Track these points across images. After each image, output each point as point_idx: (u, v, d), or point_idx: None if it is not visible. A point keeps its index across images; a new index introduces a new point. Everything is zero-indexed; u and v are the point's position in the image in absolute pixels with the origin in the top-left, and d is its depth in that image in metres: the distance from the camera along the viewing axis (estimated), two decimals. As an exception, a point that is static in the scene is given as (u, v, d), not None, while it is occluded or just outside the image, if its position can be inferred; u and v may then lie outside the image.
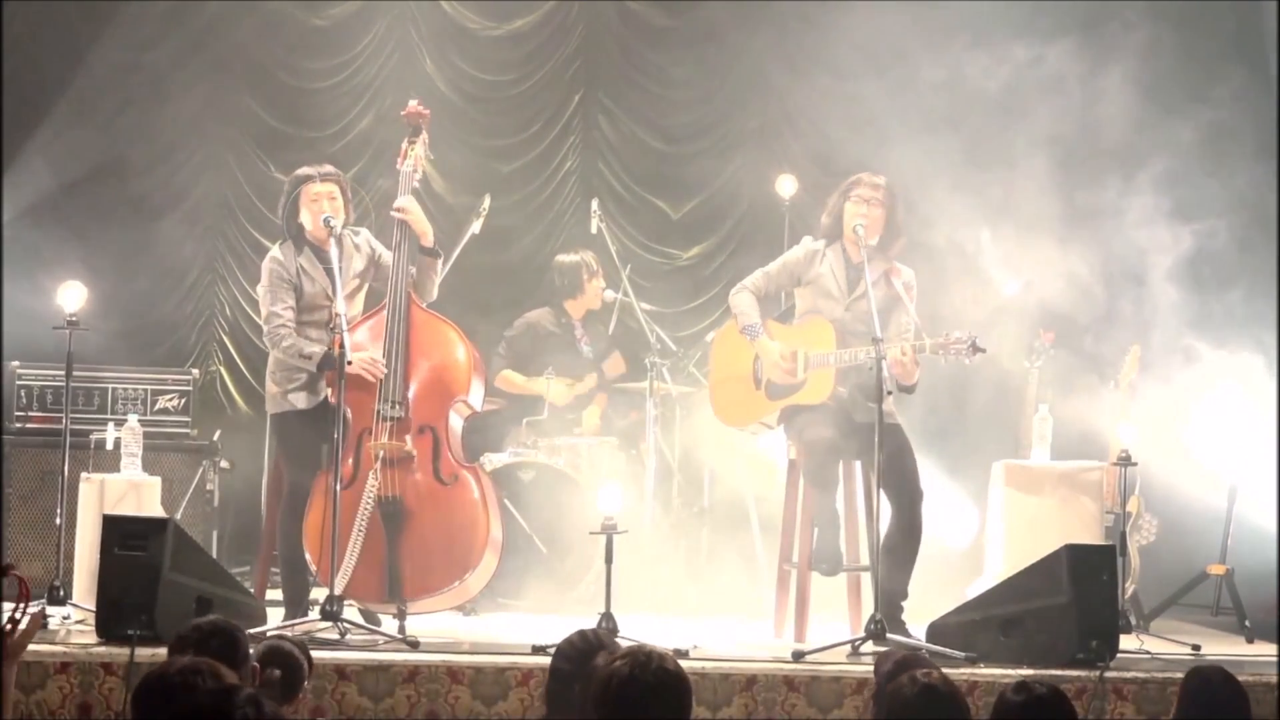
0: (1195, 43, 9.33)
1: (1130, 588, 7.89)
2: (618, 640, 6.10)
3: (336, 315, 6.75)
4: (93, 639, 6.33)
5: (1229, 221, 8.96)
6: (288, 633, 6.50)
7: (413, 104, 7.48)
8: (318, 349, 6.99)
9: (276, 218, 7.32)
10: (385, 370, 6.99)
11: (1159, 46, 9.02)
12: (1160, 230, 8.95)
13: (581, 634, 4.38)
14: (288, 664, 4.68)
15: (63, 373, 7.32)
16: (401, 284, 7.13)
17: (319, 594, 6.97)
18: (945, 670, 4.24)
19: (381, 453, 6.96)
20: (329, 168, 7.27)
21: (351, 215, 7.27)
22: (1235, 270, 9.05)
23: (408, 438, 7.02)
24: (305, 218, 7.14)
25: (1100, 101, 9.14)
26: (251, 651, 4.67)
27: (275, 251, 7.22)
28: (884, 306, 7.05)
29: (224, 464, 8.51)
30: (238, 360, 9.88)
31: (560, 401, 8.67)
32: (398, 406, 7.03)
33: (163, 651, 5.78)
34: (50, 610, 6.79)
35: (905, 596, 7.00)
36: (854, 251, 7.23)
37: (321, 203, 7.11)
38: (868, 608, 6.92)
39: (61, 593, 6.92)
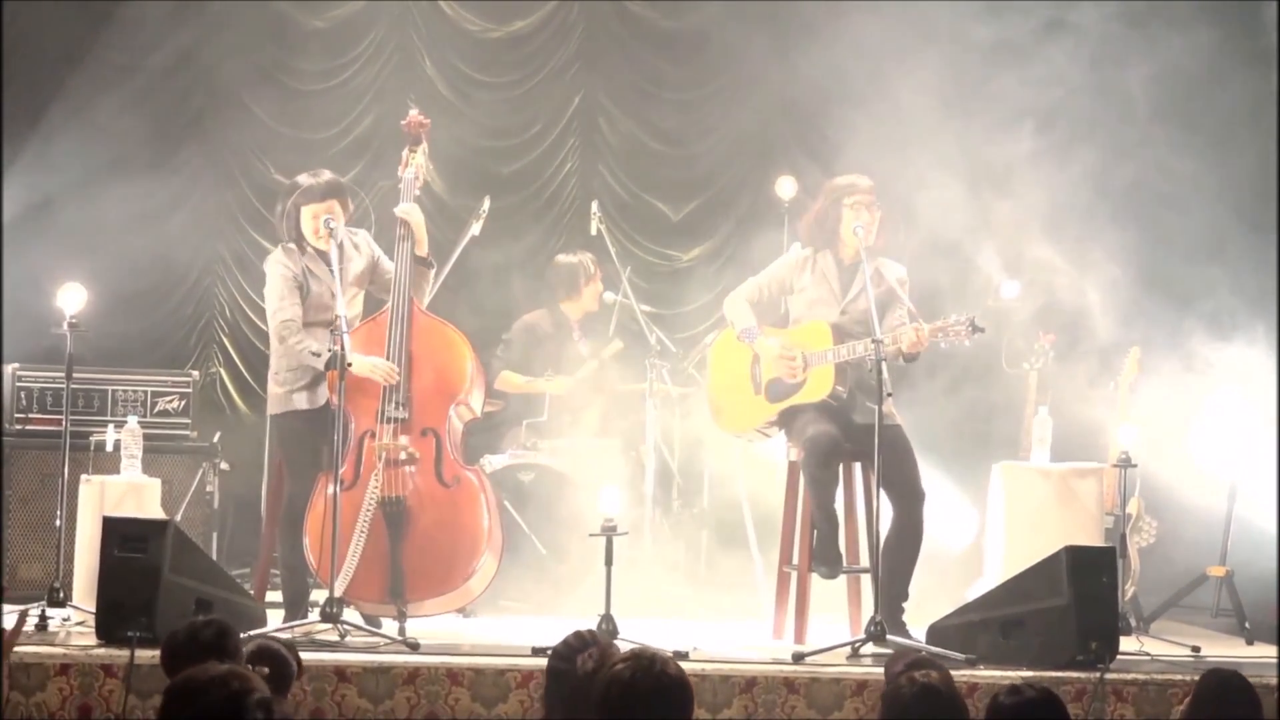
0: (1206, 41, 9.32)
1: (1130, 589, 7.89)
2: (618, 642, 6.14)
3: (337, 318, 6.76)
4: (92, 641, 6.32)
5: (1233, 223, 8.95)
6: (284, 635, 6.51)
7: (414, 113, 7.51)
8: (325, 348, 6.99)
9: (275, 221, 7.32)
10: (398, 377, 7.00)
11: (1165, 47, 9.02)
12: (1163, 231, 8.96)
13: (579, 634, 4.38)
14: (275, 662, 4.70)
15: (62, 375, 7.31)
16: (405, 286, 7.15)
17: (319, 596, 6.97)
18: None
19: (384, 454, 6.97)
20: (328, 180, 7.20)
21: (351, 214, 7.28)
22: (1237, 271, 9.05)
23: (408, 439, 7.04)
24: (306, 230, 7.16)
25: (1106, 101, 9.16)
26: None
27: (278, 254, 7.22)
28: (880, 303, 7.05)
29: (224, 466, 8.51)
30: (238, 362, 9.89)
31: (562, 391, 8.66)
32: (401, 408, 7.04)
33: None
34: (50, 612, 6.79)
35: (906, 598, 7.00)
36: (846, 254, 7.26)
37: (320, 219, 7.11)
38: (868, 609, 6.93)
39: (61, 595, 6.91)
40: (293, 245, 7.18)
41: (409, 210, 7.26)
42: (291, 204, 7.18)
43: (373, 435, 7.02)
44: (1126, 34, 9.04)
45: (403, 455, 6.99)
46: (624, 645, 5.00)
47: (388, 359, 7.05)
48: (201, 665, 3.62)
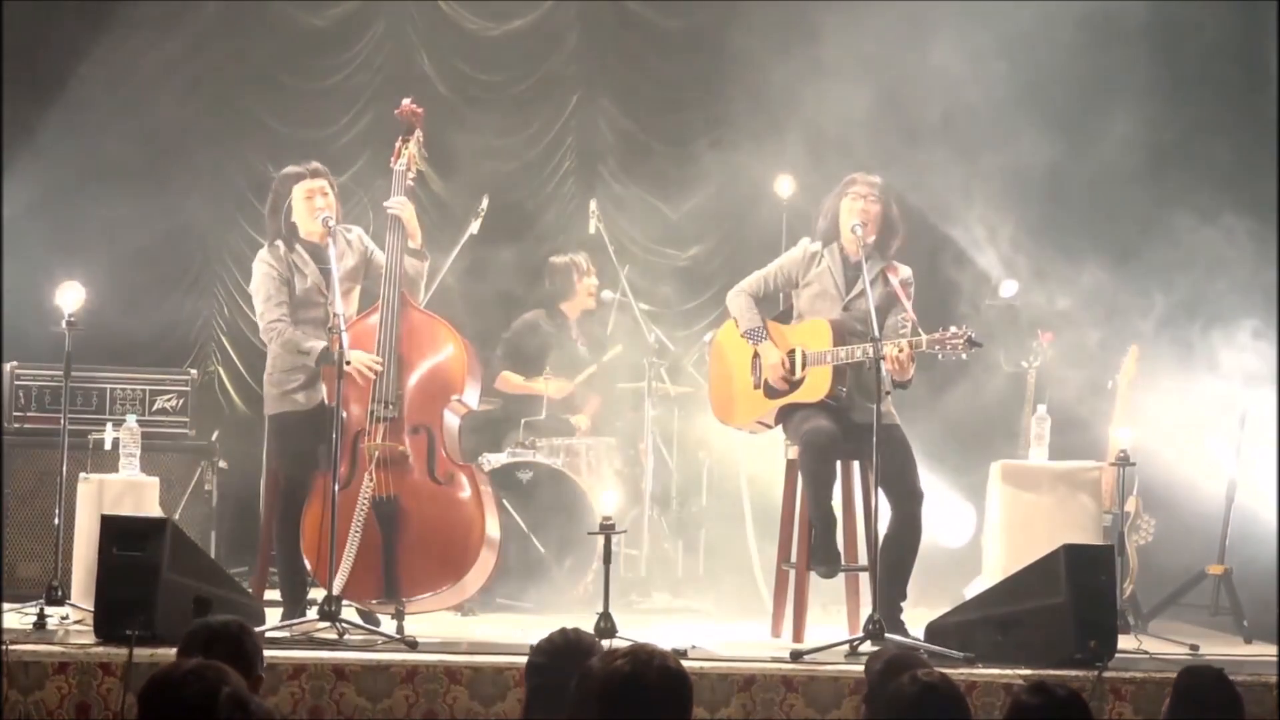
0: (1211, 41, 9.32)
1: (1128, 588, 7.89)
2: (616, 640, 6.14)
3: (335, 316, 6.75)
4: (91, 639, 6.32)
5: (1234, 220, 8.96)
6: (285, 632, 6.52)
7: (406, 102, 7.49)
8: (317, 344, 7.00)
9: (267, 217, 7.30)
10: (381, 369, 7.00)
11: (1169, 45, 9.02)
12: (1162, 231, 8.95)
13: (562, 632, 4.38)
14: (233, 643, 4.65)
15: (61, 373, 7.30)
16: (395, 282, 7.14)
17: (317, 594, 6.97)
18: (943, 670, 4.23)
19: (375, 453, 6.96)
20: (316, 164, 7.28)
21: (341, 212, 7.28)
22: (1236, 270, 9.05)
23: (404, 437, 7.04)
24: (299, 216, 7.16)
25: (1106, 99, 9.15)
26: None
27: (264, 253, 7.23)
28: (882, 305, 7.04)
29: (222, 464, 8.51)
30: (236, 360, 9.89)
31: (560, 395, 8.67)
32: (390, 406, 7.03)
33: (161, 652, 5.82)
34: (48, 610, 6.79)
35: (904, 596, 7.00)
36: (852, 251, 7.23)
37: (315, 199, 7.13)
38: (866, 607, 6.91)
39: (59, 593, 6.91)
40: (279, 244, 7.18)
41: (400, 205, 7.25)
42: (282, 187, 7.18)
43: (365, 434, 7.02)
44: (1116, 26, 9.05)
45: (393, 454, 6.99)
46: (622, 643, 4.99)
47: (377, 355, 7.04)
48: (175, 661, 3.62)
